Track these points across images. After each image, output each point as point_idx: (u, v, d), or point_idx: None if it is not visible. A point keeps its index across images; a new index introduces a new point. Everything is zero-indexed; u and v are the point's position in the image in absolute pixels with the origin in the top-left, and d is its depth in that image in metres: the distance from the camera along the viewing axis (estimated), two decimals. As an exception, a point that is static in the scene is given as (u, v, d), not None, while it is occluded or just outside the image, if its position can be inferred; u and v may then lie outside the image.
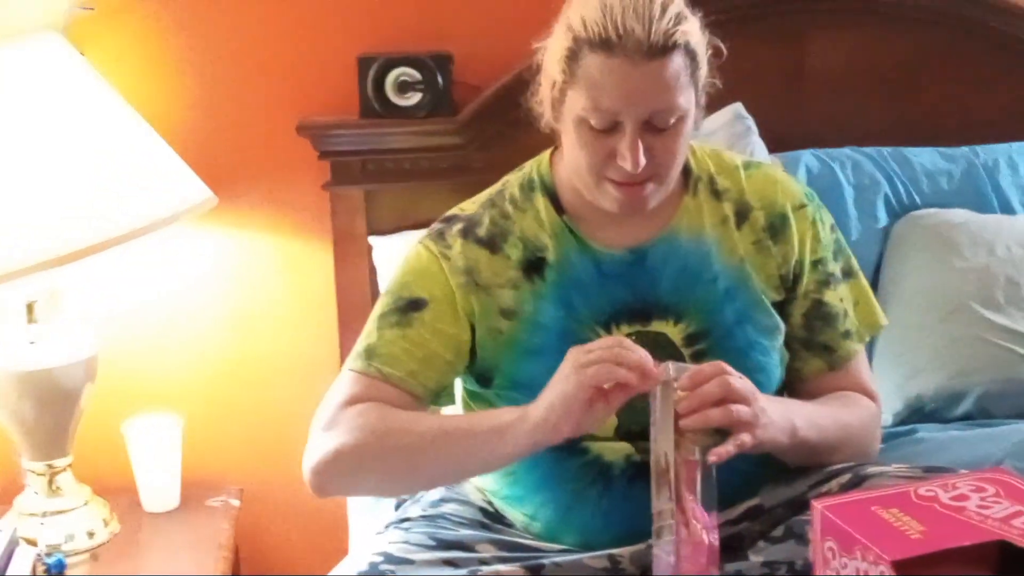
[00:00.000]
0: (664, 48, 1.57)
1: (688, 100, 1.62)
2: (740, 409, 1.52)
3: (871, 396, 1.81)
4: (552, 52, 1.66)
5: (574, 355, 1.54)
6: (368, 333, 1.73)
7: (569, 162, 1.69)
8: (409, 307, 1.71)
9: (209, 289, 2.52)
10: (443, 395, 1.74)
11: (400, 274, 1.76)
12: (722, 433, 1.53)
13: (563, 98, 1.65)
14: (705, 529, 1.49)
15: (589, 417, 1.54)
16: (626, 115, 1.59)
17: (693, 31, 1.62)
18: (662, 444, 1.52)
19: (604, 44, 1.57)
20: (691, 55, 1.61)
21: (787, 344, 1.77)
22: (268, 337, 2.55)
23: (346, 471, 1.66)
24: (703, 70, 1.65)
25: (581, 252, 1.72)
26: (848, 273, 1.81)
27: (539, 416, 1.55)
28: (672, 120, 1.61)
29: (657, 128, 1.61)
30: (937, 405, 2.21)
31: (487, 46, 2.46)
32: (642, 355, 1.52)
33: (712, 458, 1.50)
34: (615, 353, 1.52)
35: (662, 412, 1.53)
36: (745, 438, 1.52)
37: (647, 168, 1.61)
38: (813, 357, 1.78)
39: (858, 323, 1.80)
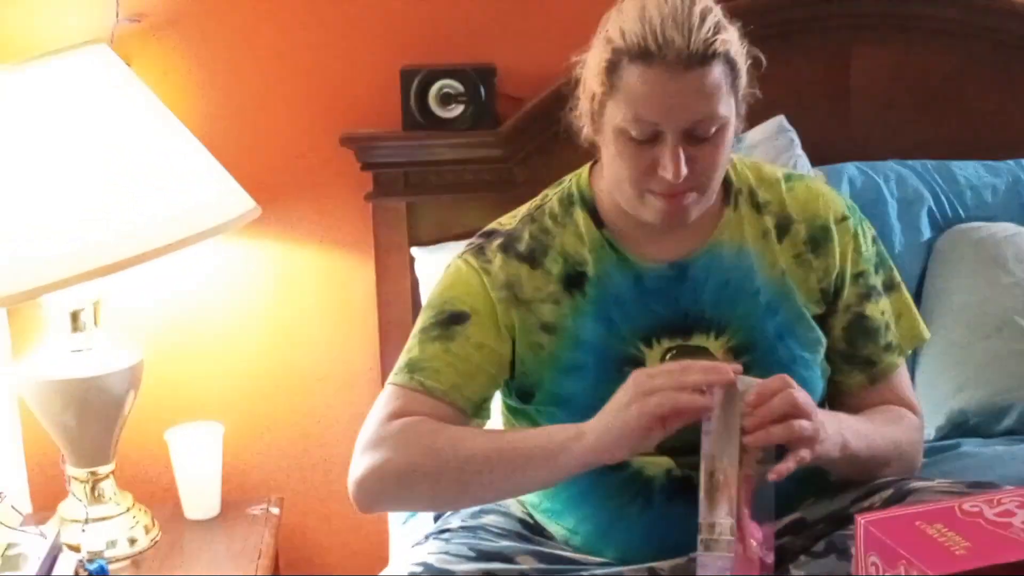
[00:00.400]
0: (704, 57, 1.56)
1: (728, 109, 1.62)
2: (802, 425, 1.51)
3: (914, 409, 1.79)
4: (591, 65, 1.65)
5: (637, 380, 1.53)
6: (410, 347, 1.73)
7: (609, 175, 1.68)
8: (451, 320, 1.71)
9: (252, 299, 2.54)
10: (484, 409, 1.74)
11: (441, 288, 1.76)
12: (777, 446, 1.52)
13: (602, 110, 1.64)
14: (760, 546, 1.48)
15: (645, 443, 1.53)
16: (666, 125, 1.58)
17: (732, 40, 1.61)
18: (723, 458, 1.50)
19: (643, 54, 1.57)
20: (731, 64, 1.61)
21: (828, 358, 1.76)
22: (310, 347, 2.56)
23: (393, 488, 1.66)
24: (743, 80, 1.65)
25: (621, 266, 1.72)
26: (890, 286, 1.80)
27: (594, 439, 1.54)
28: (713, 130, 1.60)
29: (698, 138, 1.60)
30: (980, 420, 2.19)
31: (530, 58, 2.47)
32: (705, 371, 1.51)
33: (773, 476, 1.48)
34: (677, 380, 1.50)
35: (725, 425, 1.50)
36: (804, 454, 1.51)
37: (688, 178, 1.60)
38: (855, 371, 1.77)
39: (900, 336, 1.79)
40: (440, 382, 1.68)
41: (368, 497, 1.67)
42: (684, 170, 1.59)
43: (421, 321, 1.74)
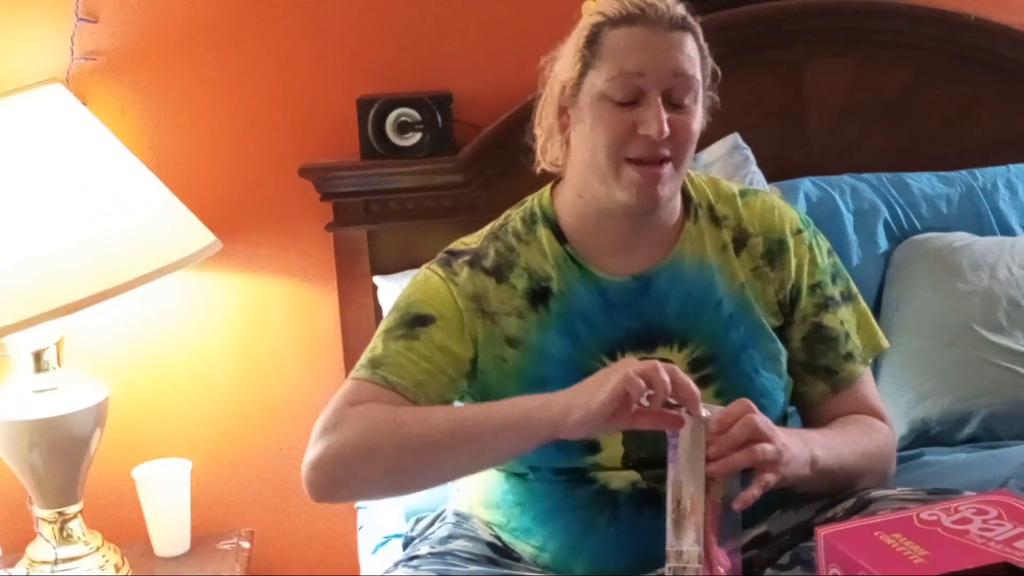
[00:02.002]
0: (683, 24, 1.66)
1: (700, 83, 1.67)
2: (765, 448, 1.52)
3: (881, 417, 1.80)
4: (565, 54, 1.71)
5: (621, 361, 1.53)
6: (373, 347, 1.72)
7: (584, 156, 1.69)
8: (416, 322, 1.71)
9: (217, 333, 2.54)
10: None
11: (408, 292, 1.76)
12: (744, 471, 1.53)
13: (578, 90, 1.68)
14: (727, 574, 1.48)
15: (610, 424, 1.51)
16: (649, 81, 1.63)
17: (700, 33, 1.69)
18: (689, 485, 1.50)
19: (627, 18, 1.65)
20: (701, 51, 1.69)
21: (790, 369, 1.77)
22: (275, 378, 2.56)
23: (352, 468, 1.62)
24: (708, 74, 1.71)
25: (585, 281, 1.73)
26: (848, 296, 1.82)
27: (561, 407, 1.53)
28: (689, 99, 1.66)
29: (675, 104, 1.65)
30: (943, 428, 2.21)
31: (486, 85, 2.48)
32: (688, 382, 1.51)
33: (738, 505, 1.49)
34: (664, 366, 1.50)
35: (690, 454, 1.51)
36: (769, 477, 1.52)
37: (666, 145, 1.64)
38: (816, 380, 1.78)
39: (860, 345, 1.81)
40: (403, 378, 1.67)
41: (325, 480, 1.63)
42: (666, 126, 1.62)
43: (385, 323, 1.74)
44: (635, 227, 1.72)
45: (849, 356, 1.79)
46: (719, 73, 1.74)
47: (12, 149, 2.12)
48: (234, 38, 2.45)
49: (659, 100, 1.64)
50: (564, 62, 1.72)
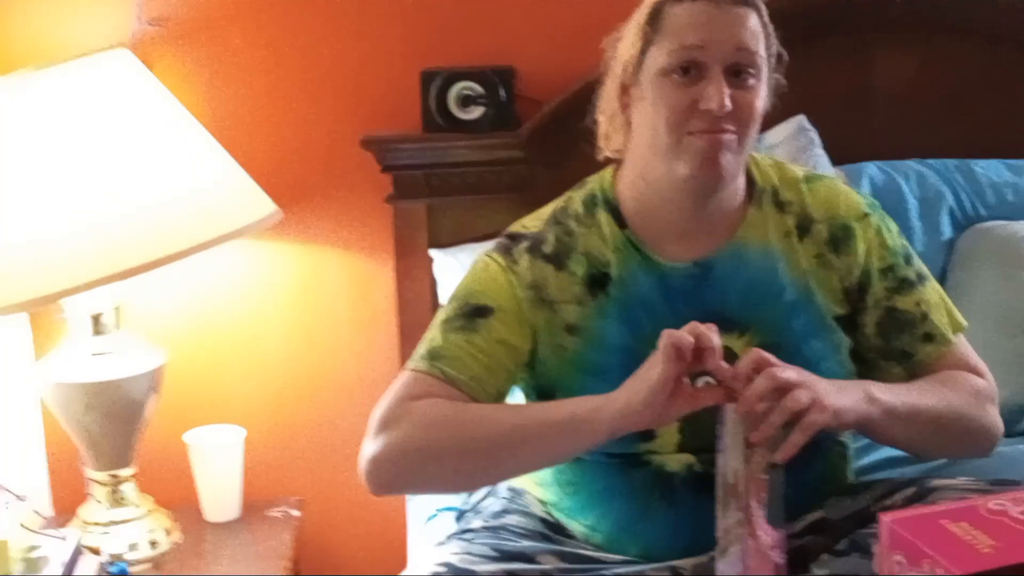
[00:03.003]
0: (747, 1, 1.64)
1: (764, 61, 1.66)
2: (797, 397, 1.49)
3: (979, 374, 1.76)
4: (629, 30, 1.70)
5: (662, 339, 1.52)
6: (432, 337, 1.72)
7: (645, 135, 1.68)
8: (475, 313, 1.70)
9: (273, 302, 2.54)
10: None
11: (467, 282, 1.75)
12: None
13: (640, 68, 1.67)
14: (772, 546, 1.47)
15: (671, 408, 1.52)
16: (711, 51, 1.62)
17: (764, 10, 1.67)
18: (732, 461, 1.51)
19: None
20: (766, 29, 1.66)
21: (864, 356, 1.75)
22: (330, 350, 2.56)
23: (415, 466, 1.63)
24: (774, 53, 1.69)
25: (645, 267, 1.72)
26: (922, 277, 1.78)
27: (621, 403, 1.54)
28: (751, 75, 1.64)
29: (738, 78, 1.63)
30: (1004, 419, 2.17)
31: (550, 60, 2.46)
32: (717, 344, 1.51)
33: (780, 456, 1.48)
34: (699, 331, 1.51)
35: (732, 429, 1.52)
36: (814, 418, 1.50)
37: (729, 121, 1.62)
38: (892, 365, 1.74)
39: (944, 323, 1.76)
40: (461, 372, 1.67)
41: (386, 476, 1.64)
42: (728, 101, 1.61)
43: (444, 312, 1.74)
44: (697, 210, 1.70)
45: (928, 337, 1.74)
46: (785, 55, 1.71)
47: (77, 113, 2.12)
48: (299, 7, 2.45)
49: (721, 75, 1.62)
50: (626, 41, 1.70)
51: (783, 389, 1.50)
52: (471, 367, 1.67)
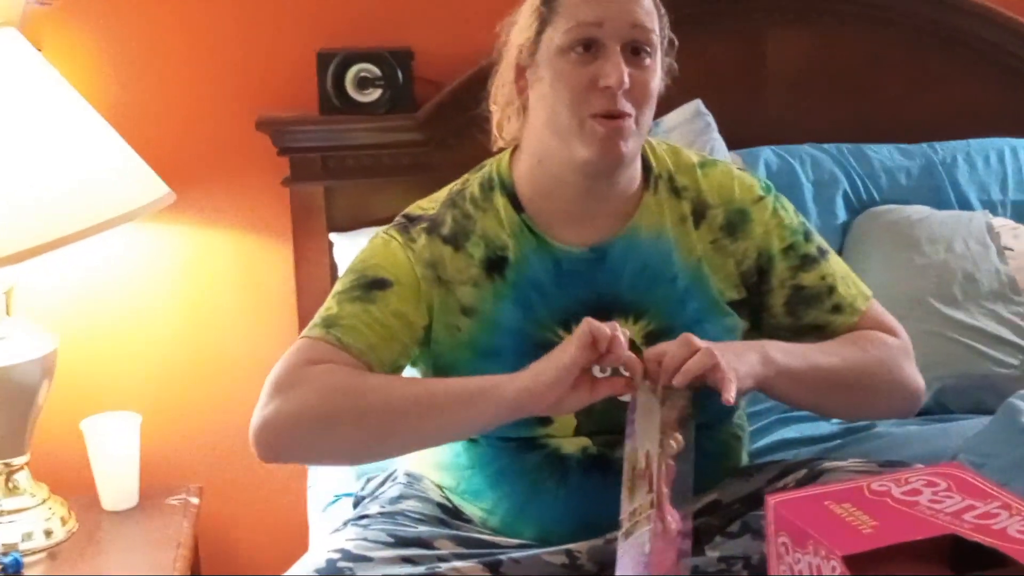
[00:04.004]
0: None
1: (659, 40, 1.67)
2: (698, 360, 1.53)
3: (892, 333, 1.78)
4: (523, 12, 1.70)
5: (581, 327, 1.53)
6: (328, 307, 1.69)
7: (544, 115, 1.68)
8: (373, 285, 1.68)
9: (169, 286, 2.52)
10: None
11: (365, 256, 1.74)
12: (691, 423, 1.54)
13: (536, 48, 1.67)
14: (678, 531, 1.48)
15: (571, 397, 1.53)
16: (607, 32, 1.62)
17: None
18: (644, 445, 1.51)
19: None
20: (659, 9, 1.68)
21: (775, 335, 1.75)
22: (228, 334, 2.54)
23: (310, 433, 1.59)
24: (666, 36, 1.70)
25: (540, 251, 1.72)
26: (824, 251, 1.79)
27: (527, 380, 1.54)
28: (648, 54, 1.65)
29: (635, 57, 1.64)
30: (895, 401, 2.22)
31: (447, 42, 2.46)
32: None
33: (728, 397, 1.51)
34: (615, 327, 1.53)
35: (646, 412, 1.53)
36: (726, 381, 1.52)
37: (627, 99, 1.62)
38: (804, 340, 1.74)
39: (852, 293, 1.78)
40: (357, 340, 1.65)
41: (279, 442, 1.59)
42: (626, 78, 1.61)
43: (340, 284, 1.72)
44: (593, 194, 1.71)
45: (837, 308, 1.76)
46: (675, 41, 1.73)
47: (-37, 93, 2.08)
48: (193, -13, 2.42)
49: (618, 51, 1.63)
50: (521, 24, 1.70)
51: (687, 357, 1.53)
52: (367, 336, 1.65)
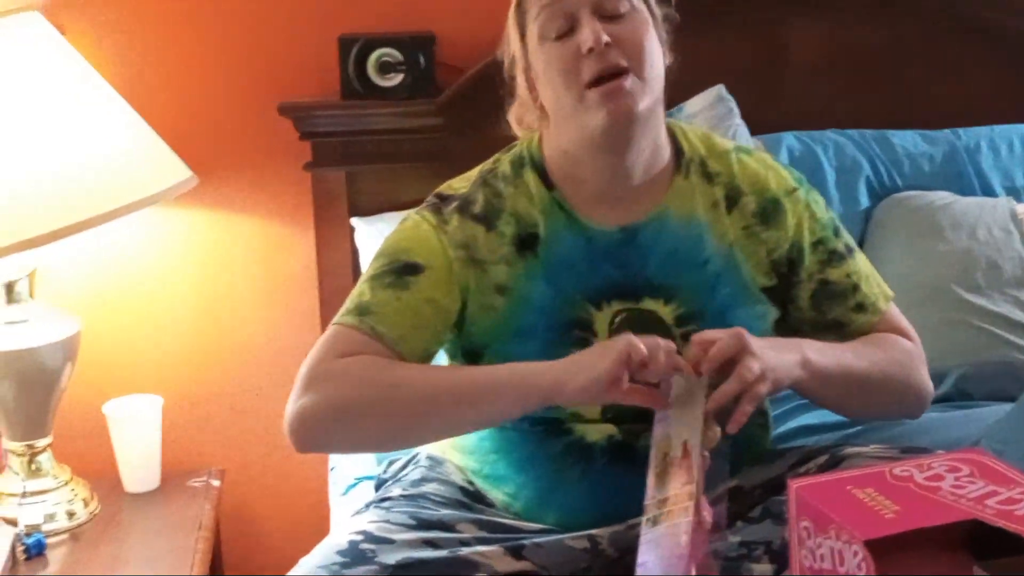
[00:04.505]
0: None
1: None
2: (751, 368, 1.53)
3: (906, 336, 1.79)
4: (507, 30, 1.73)
5: (626, 339, 1.54)
6: (360, 292, 1.69)
7: (554, 111, 1.69)
8: (405, 270, 1.68)
9: (191, 270, 2.52)
10: (426, 363, 1.71)
11: (396, 239, 1.73)
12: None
13: (526, 52, 1.70)
14: (712, 524, 1.47)
15: (604, 395, 1.54)
16: (574, 3, 1.63)
17: None
18: (682, 434, 1.50)
19: None
20: None
21: (797, 327, 1.76)
22: (249, 319, 2.54)
23: (341, 423, 1.61)
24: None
25: (571, 228, 1.71)
26: (851, 248, 1.80)
27: (560, 371, 1.55)
28: (624, 6, 1.65)
29: (611, 14, 1.64)
30: (916, 388, 2.21)
31: (470, 27, 2.45)
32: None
33: (732, 428, 1.51)
34: (661, 345, 1.53)
35: (686, 402, 1.53)
36: (759, 390, 1.54)
37: (617, 55, 1.62)
38: (826, 335, 1.74)
39: (875, 293, 1.79)
40: (390, 329, 1.65)
41: (312, 434, 1.62)
42: (604, 36, 1.62)
43: (373, 268, 1.72)
44: (620, 174, 1.70)
45: (860, 307, 1.77)
46: (677, 18, 1.73)
47: (-15, 77, 2.09)
48: (216, -29, 2.42)
49: (591, 16, 1.64)
50: (508, 39, 1.74)
51: (738, 357, 1.53)
52: (399, 324, 1.65)
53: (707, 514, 1.45)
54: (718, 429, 1.52)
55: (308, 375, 1.63)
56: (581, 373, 1.54)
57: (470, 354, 1.72)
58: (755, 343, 1.56)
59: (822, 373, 1.64)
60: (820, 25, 2.53)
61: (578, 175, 1.72)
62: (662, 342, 1.54)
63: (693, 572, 1.37)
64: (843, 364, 1.67)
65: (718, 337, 1.56)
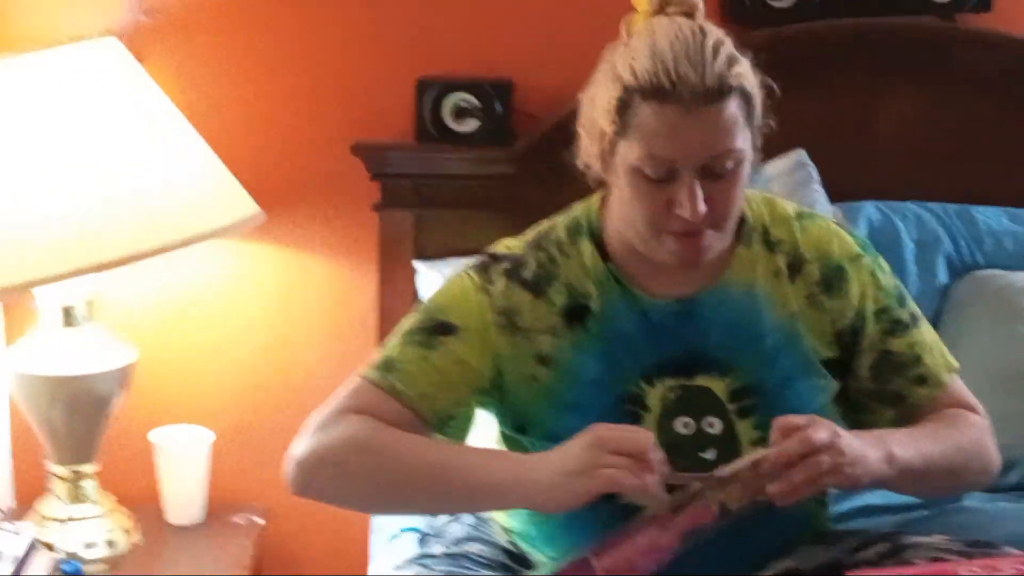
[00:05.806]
0: (719, 92, 1.53)
1: (745, 143, 1.58)
2: (819, 461, 1.48)
3: (973, 410, 1.74)
4: (600, 103, 1.60)
5: (597, 440, 1.50)
6: (391, 346, 1.68)
7: (622, 216, 1.64)
8: (438, 329, 1.66)
9: (251, 304, 2.51)
10: (449, 425, 1.68)
11: (438, 295, 1.72)
12: None
13: (614, 149, 1.60)
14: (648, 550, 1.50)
15: (587, 504, 1.52)
16: (683, 163, 1.54)
17: (746, 72, 1.57)
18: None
19: (657, 92, 1.52)
20: (746, 97, 1.56)
21: (855, 398, 1.71)
22: (306, 356, 2.52)
23: (328, 477, 1.62)
24: (758, 111, 1.60)
25: (626, 301, 1.67)
26: (916, 318, 1.74)
27: (542, 487, 1.53)
28: (730, 165, 1.56)
29: (715, 174, 1.56)
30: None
31: (549, 75, 2.42)
32: (658, 474, 1.50)
33: (781, 502, 1.49)
34: (634, 464, 1.49)
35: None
36: (826, 482, 1.50)
37: (706, 216, 1.56)
38: (884, 408, 1.70)
39: (937, 365, 1.73)
40: (411, 388, 1.63)
41: (303, 477, 1.63)
42: (703, 208, 1.55)
43: (409, 322, 1.70)
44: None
45: (921, 380, 1.71)
46: (776, 90, 1.63)
47: (60, 100, 2.09)
48: (296, 9, 2.42)
49: (693, 180, 1.55)
50: (599, 110, 1.61)
51: (810, 452, 1.48)
52: (422, 384, 1.64)
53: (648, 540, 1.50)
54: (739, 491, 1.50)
55: (316, 421, 1.65)
56: (566, 486, 1.51)
57: (517, 425, 1.70)
58: (845, 436, 1.51)
59: (907, 469, 1.58)
60: (914, 94, 2.47)
61: (639, 252, 1.66)
62: (638, 441, 1.50)
63: None
64: (925, 454, 1.61)
65: (801, 423, 1.50)
